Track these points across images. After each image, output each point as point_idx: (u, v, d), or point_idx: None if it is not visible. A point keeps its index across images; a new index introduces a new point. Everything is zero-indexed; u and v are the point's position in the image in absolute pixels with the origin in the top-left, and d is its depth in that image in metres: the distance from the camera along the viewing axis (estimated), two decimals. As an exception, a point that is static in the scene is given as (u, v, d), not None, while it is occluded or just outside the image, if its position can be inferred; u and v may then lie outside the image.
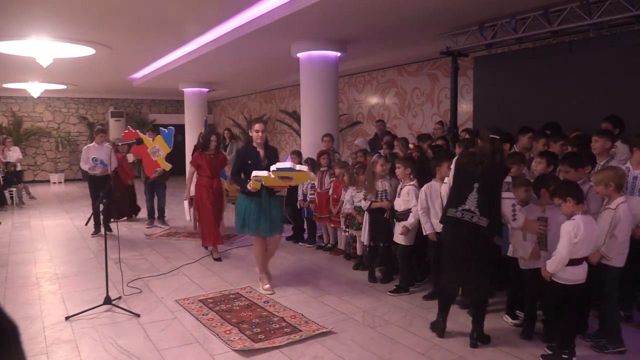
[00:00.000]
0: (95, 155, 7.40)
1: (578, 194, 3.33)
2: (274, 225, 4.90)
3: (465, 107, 8.38)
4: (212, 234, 6.18)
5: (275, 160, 4.88)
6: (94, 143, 7.60)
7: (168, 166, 7.08)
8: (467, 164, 3.67)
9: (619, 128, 4.60)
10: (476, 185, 3.55)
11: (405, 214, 4.81)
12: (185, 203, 5.83)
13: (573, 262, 3.29)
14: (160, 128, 7.07)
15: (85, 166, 7.46)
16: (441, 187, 4.44)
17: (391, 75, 10.26)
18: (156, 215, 8.54)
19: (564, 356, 3.34)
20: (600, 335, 3.66)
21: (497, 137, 3.62)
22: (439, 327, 3.84)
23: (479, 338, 3.68)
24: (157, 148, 6.67)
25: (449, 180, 3.86)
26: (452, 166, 3.82)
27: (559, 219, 3.56)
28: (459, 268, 3.69)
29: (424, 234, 4.62)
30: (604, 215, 3.53)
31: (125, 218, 8.84)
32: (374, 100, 10.83)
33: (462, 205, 3.59)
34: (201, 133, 9.64)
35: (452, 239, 3.73)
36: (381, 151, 6.57)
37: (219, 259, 6.16)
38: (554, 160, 4.17)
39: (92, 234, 7.69)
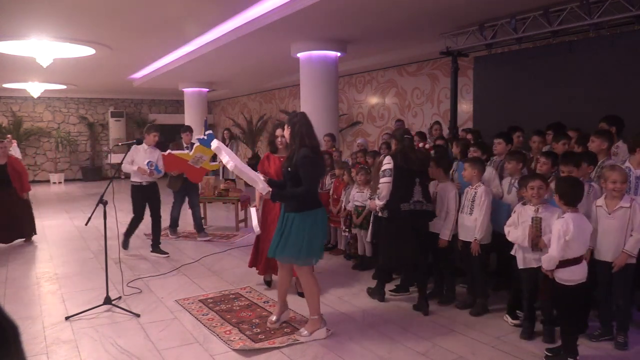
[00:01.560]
0: (149, 159, 6.02)
1: (568, 196, 3.28)
2: (279, 247, 3.77)
3: (465, 107, 8.38)
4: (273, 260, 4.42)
5: (294, 165, 3.70)
6: (143, 144, 6.03)
7: (217, 166, 6.92)
8: (406, 163, 4.20)
9: (615, 127, 4.57)
10: (417, 179, 4.20)
11: None
12: (253, 210, 4.58)
13: (570, 262, 3.25)
14: (197, 137, 6.82)
15: (128, 168, 5.99)
16: (380, 182, 4.41)
17: (391, 75, 10.26)
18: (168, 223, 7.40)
19: (567, 357, 3.33)
20: (604, 334, 3.66)
21: (410, 137, 4.40)
22: (379, 293, 4.57)
23: (419, 305, 4.32)
24: (199, 155, 6.47)
25: (390, 178, 4.21)
26: (390, 166, 4.21)
27: (554, 219, 3.55)
28: (401, 248, 4.28)
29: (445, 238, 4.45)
30: (619, 214, 3.50)
31: (23, 239, 7.31)
32: (374, 100, 10.83)
33: (412, 198, 4.18)
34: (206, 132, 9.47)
35: (402, 227, 4.24)
36: (381, 151, 6.57)
37: (267, 281, 5.10)
38: (557, 160, 4.15)
39: (123, 247, 6.45)
